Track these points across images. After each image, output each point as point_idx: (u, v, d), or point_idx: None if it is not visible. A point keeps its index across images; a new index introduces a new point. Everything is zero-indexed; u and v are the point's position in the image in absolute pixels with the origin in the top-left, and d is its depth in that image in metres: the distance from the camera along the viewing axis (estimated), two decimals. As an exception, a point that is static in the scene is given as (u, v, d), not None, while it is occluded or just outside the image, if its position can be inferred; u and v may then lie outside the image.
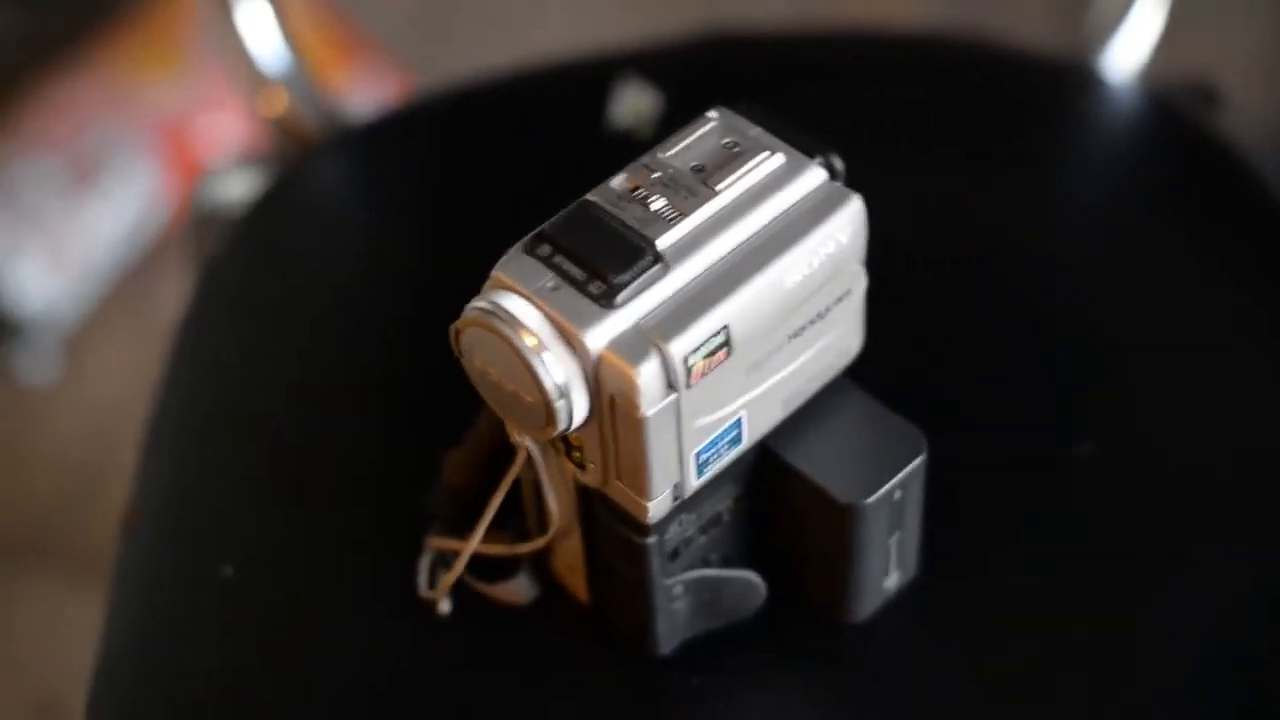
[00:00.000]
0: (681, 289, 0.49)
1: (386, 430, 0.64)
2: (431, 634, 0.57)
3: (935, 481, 0.55)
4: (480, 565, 0.57)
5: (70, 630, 1.18)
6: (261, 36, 0.77)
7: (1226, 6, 1.38)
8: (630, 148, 0.66)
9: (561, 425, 0.48)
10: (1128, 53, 0.77)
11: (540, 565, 0.57)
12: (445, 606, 0.57)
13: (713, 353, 0.49)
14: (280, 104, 0.78)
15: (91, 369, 1.34)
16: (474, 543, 0.54)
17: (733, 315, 0.49)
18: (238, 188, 0.79)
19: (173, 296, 1.31)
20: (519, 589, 0.57)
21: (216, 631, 0.59)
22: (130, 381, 1.29)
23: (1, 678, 1.20)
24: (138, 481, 0.65)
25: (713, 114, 0.52)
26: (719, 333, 0.48)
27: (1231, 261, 0.69)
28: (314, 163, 0.78)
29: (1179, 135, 0.75)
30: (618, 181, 0.50)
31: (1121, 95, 0.76)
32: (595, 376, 0.48)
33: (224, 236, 0.75)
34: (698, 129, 0.52)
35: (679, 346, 0.48)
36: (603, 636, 0.56)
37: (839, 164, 0.52)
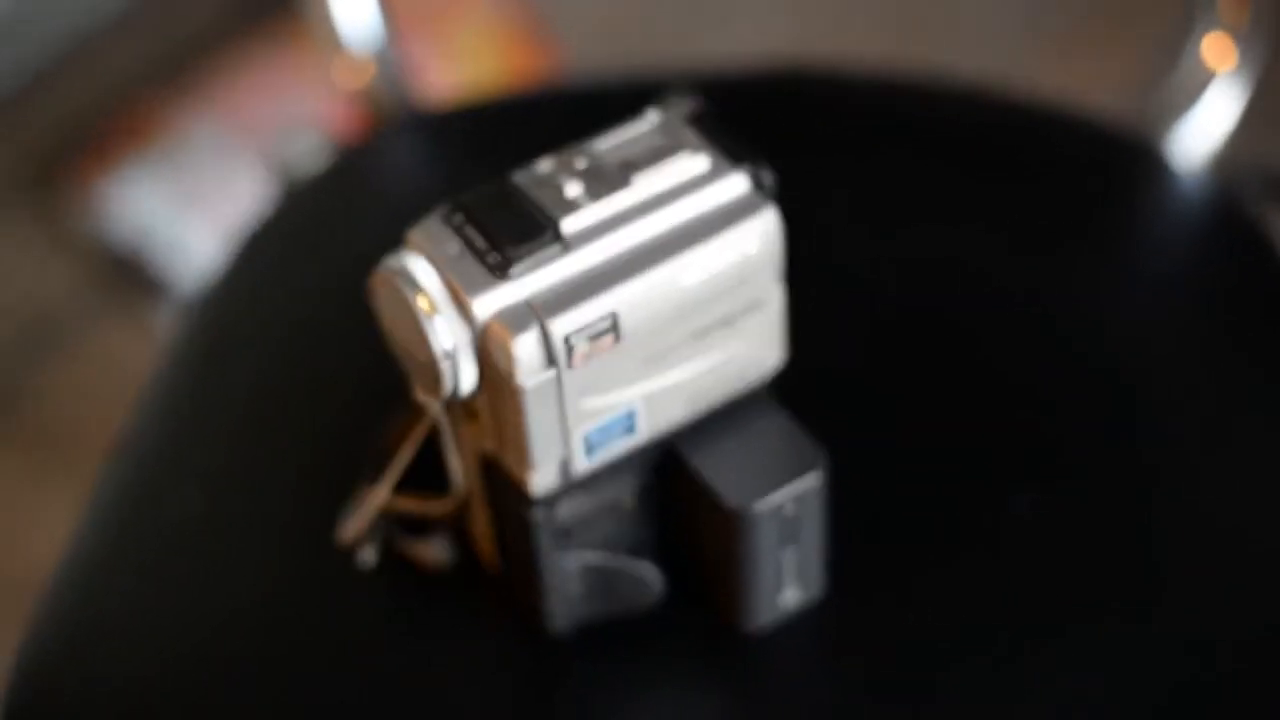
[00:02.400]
0: (579, 272, 0.50)
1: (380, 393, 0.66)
2: (353, 589, 0.59)
3: (869, 507, 0.57)
4: (407, 525, 0.59)
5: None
6: (355, 10, 0.80)
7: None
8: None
9: (447, 387, 0.50)
10: (1199, 136, 0.76)
11: (460, 532, 0.59)
12: (369, 557, 0.59)
13: (597, 336, 0.50)
14: (365, 77, 0.81)
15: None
16: (381, 492, 0.56)
17: (622, 303, 0.50)
18: (310, 152, 0.82)
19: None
20: (435, 550, 0.59)
21: (162, 554, 0.62)
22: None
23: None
24: (133, 414, 0.68)
25: (653, 114, 0.53)
26: (605, 318, 0.50)
27: (1263, 362, 0.67)
28: (387, 140, 0.81)
29: (1236, 229, 0.74)
30: (544, 164, 0.52)
31: (1186, 180, 0.75)
32: (483, 344, 0.50)
33: (288, 197, 0.78)
34: (635, 126, 0.53)
35: (561, 325, 0.49)
36: (505, 608, 0.57)
37: (768, 177, 0.53)
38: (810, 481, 0.54)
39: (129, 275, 1.38)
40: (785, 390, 0.56)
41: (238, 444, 0.66)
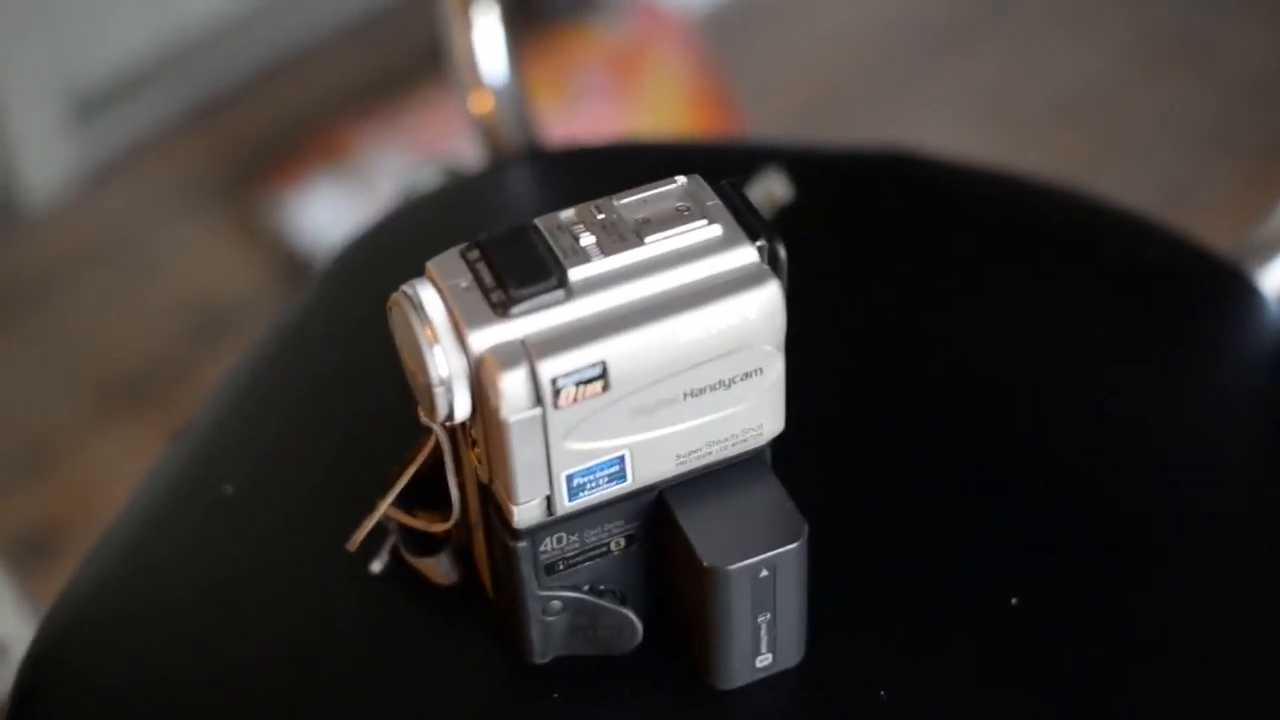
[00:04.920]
0: (577, 319, 0.52)
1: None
2: (358, 588, 0.62)
3: (849, 581, 0.58)
4: (418, 542, 0.61)
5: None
6: (489, 43, 0.83)
7: None
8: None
9: (441, 413, 0.53)
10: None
11: (465, 553, 0.61)
12: (377, 566, 0.62)
13: (586, 382, 0.52)
14: (487, 107, 0.84)
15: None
16: (384, 504, 0.59)
17: (613, 353, 0.52)
18: (430, 180, 0.85)
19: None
20: (439, 568, 0.61)
21: (193, 537, 0.65)
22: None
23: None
24: (205, 399, 0.72)
25: (681, 178, 0.55)
26: (594, 365, 0.52)
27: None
28: (500, 171, 0.84)
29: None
30: (566, 213, 0.54)
31: (1271, 309, 0.75)
32: (476, 376, 0.52)
33: (397, 215, 0.82)
34: (660, 188, 0.55)
35: (549, 366, 0.51)
36: (496, 632, 0.59)
37: (781, 252, 0.54)
38: (788, 550, 0.55)
39: (303, 273, 1.44)
40: (785, 457, 0.57)
41: (284, 439, 0.69)
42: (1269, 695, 0.60)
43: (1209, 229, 1.44)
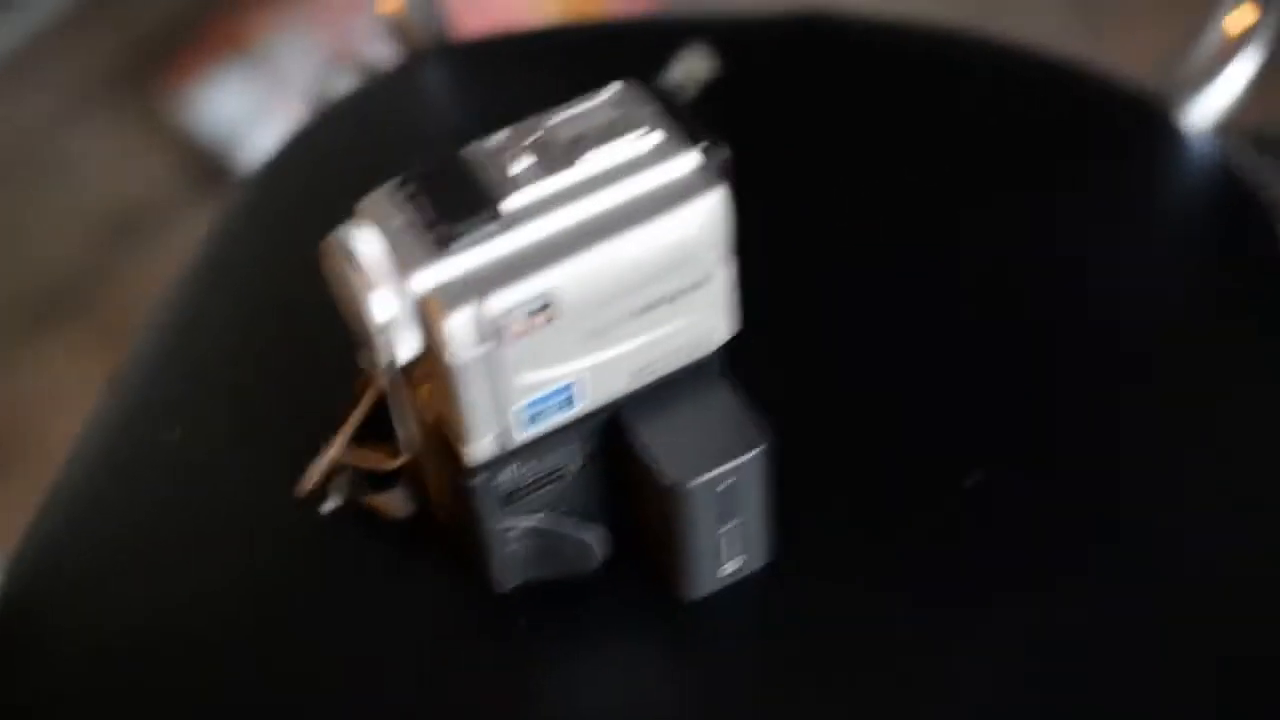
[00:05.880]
0: (520, 249, 0.51)
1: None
2: (313, 529, 0.61)
3: (815, 475, 0.58)
4: (373, 477, 0.60)
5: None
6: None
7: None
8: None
9: (383, 359, 0.51)
10: (1215, 102, 0.75)
11: (419, 486, 0.60)
12: (329, 506, 0.61)
13: (533, 314, 0.51)
14: (395, 5, 0.82)
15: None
16: (338, 444, 0.58)
17: (558, 281, 0.51)
18: (344, 85, 0.83)
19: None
20: (394, 502, 0.60)
21: (141, 484, 0.64)
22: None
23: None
24: (137, 339, 0.70)
25: (614, 87, 0.54)
26: (541, 296, 0.50)
27: (1244, 318, 0.67)
28: (414, 69, 0.82)
29: (1237, 193, 0.73)
30: (497, 138, 0.53)
31: (1197, 144, 0.74)
32: (422, 317, 0.51)
33: (310, 123, 0.80)
34: (593, 100, 0.53)
35: (495, 302, 0.50)
36: (456, 563, 0.59)
37: (721, 156, 0.53)
38: (750, 459, 0.54)
39: (214, 171, 1.41)
40: (742, 356, 0.56)
41: (226, 376, 0.67)
42: (1221, 553, 0.60)
43: (1121, 48, 1.44)
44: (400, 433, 0.56)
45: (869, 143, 0.74)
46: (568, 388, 0.53)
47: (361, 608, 0.59)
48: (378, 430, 0.59)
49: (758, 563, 0.58)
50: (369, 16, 1.40)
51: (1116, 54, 1.39)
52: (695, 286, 0.53)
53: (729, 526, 0.56)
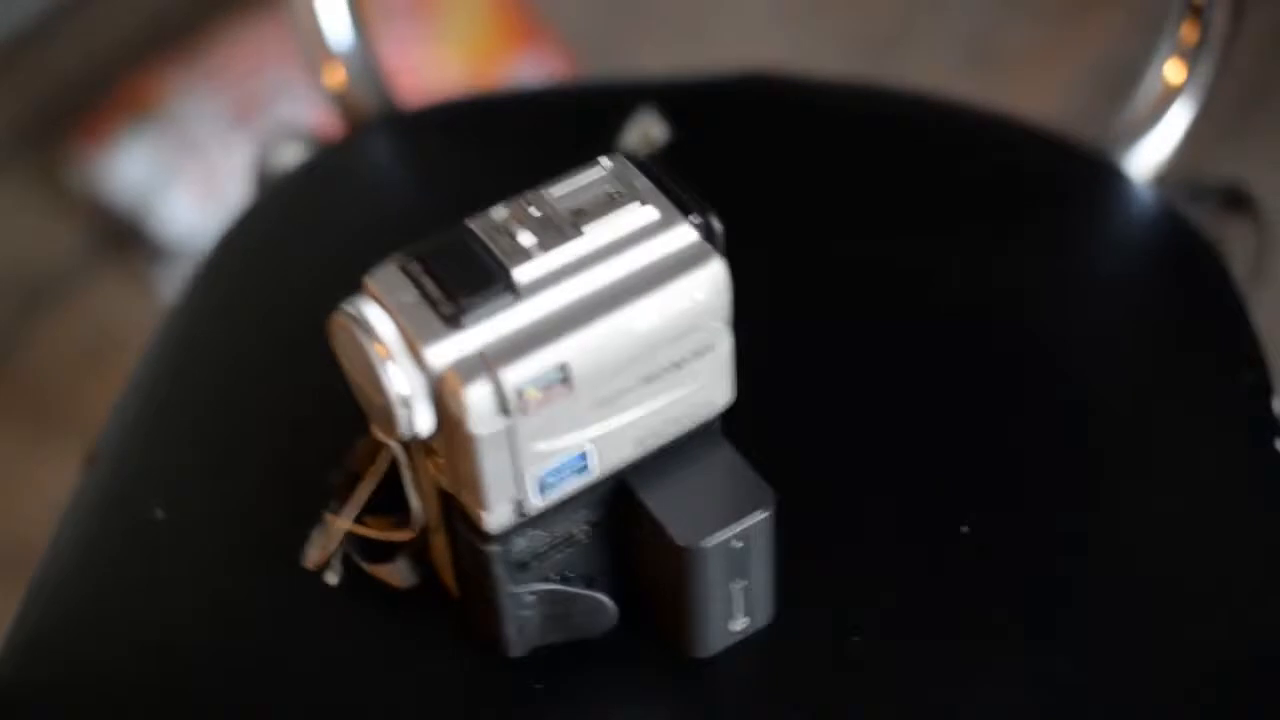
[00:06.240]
0: (531, 322, 0.52)
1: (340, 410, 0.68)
2: (316, 602, 0.61)
3: (815, 535, 0.59)
4: (371, 547, 0.61)
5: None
6: (332, 11, 0.81)
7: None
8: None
9: (402, 431, 0.52)
10: (1154, 152, 0.78)
11: (422, 555, 0.60)
12: (333, 578, 0.61)
13: (549, 385, 0.51)
14: (339, 79, 0.82)
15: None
16: (345, 522, 0.58)
17: (573, 353, 0.51)
18: (293, 156, 0.83)
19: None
20: (397, 573, 0.60)
21: (133, 566, 0.64)
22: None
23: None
24: (110, 423, 0.70)
25: (606, 161, 0.55)
26: (556, 367, 0.51)
27: (1196, 368, 0.69)
28: (360, 140, 0.82)
29: (1180, 238, 0.75)
30: (498, 212, 0.54)
31: (1139, 193, 0.77)
32: (437, 392, 0.51)
33: (262, 198, 0.80)
34: (587, 174, 0.54)
35: (512, 375, 0.51)
36: (465, 630, 0.59)
37: (717, 225, 0.54)
38: (758, 518, 0.55)
39: (125, 237, 1.40)
40: (730, 415, 0.57)
41: (204, 453, 0.67)
42: (1188, 571, 0.62)
43: (1016, 84, 1.48)
44: (413, 504, 0.57)
45: (822, 200, 0.76)
46: (581, 456, 0.54)
47: (373, 679, 0.59)
48: (378, 501, 0.60)
49: (764, 619, 0.59)
50: (274, 77, 1.41)
51: (1008, 95, 1.43)
52: (698, 354, 0.54)
53: (739, 585, 0.57)
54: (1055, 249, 0.74)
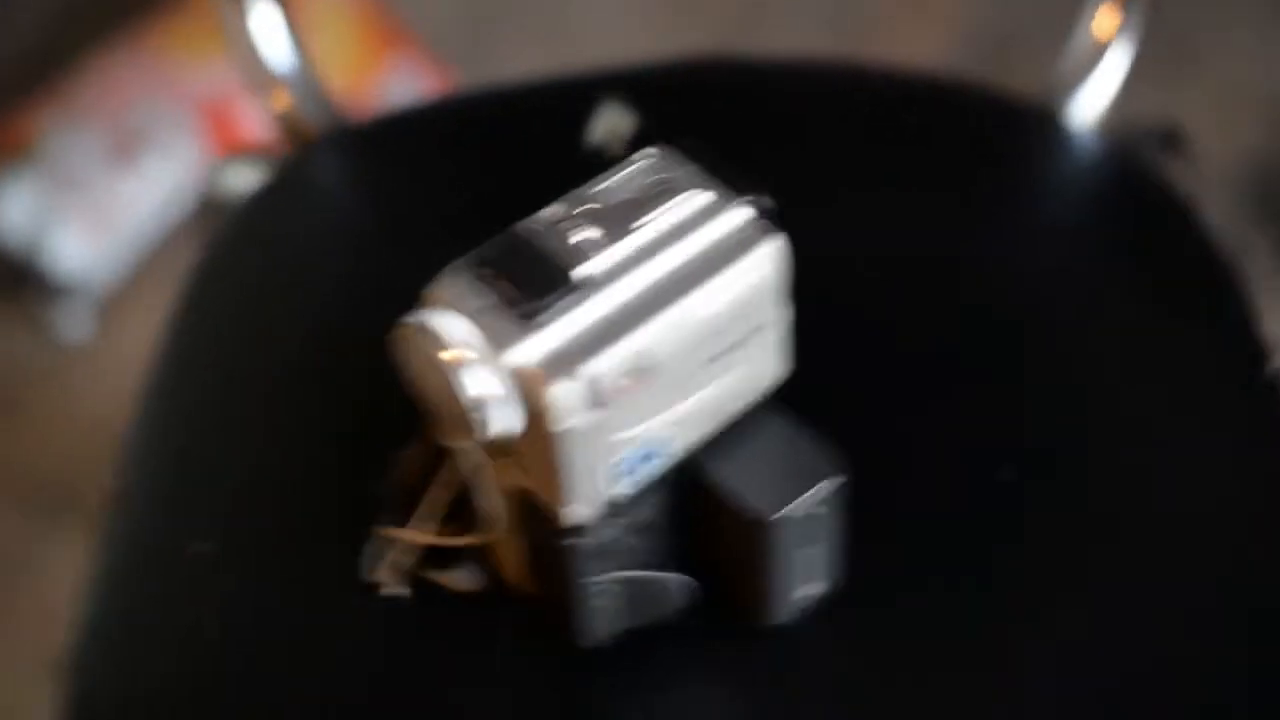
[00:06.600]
0: (602, 315, 0.53)
1: (364, 423, 0.68)
2: (385, 617, 0.61)
3: (865, 496, 0.60)
4: (432, 554, 0.61)
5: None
6: (271, 35, 0.81)
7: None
8: (602, 165, 0.71)
9: (479, 435, 0.53)
10: (1094, 102, 0.80)
11: (487, 555, 0.61)
12: (399, 590, 0.61)
13: (627, 375, 0.52)
14: (284, 101, 0.82)
15: (125, 329, 1.39)
16: (410, 533, 0.58)
17: (648, 341, 0.52)
18: (244, 179, 0.83)
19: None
20: (466, 578, 0.61)
21: (186, 604, 0.63)
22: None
23: (29, 624, 1.25)
24: (125, 460, 0.69)
25: (650, 151, 0.56)
26: (634, 356, 0.52)
27: (1170, 299, 0.72)
28: (312, 159, 0.82)
29: (1127, 180, 0.78)
30: (550, 211, 0.54)
31: (1084, 142, 0.79)
32: (518, 391, 0.52)
33: (224, 225, 0.79)
34: (633, 165, 0.55)
35: (593, 367, 0.52)
36: (540, 625, 0.60)
37: (768, 204, 0.55)
38: (828, 487, 0.57)
39: (18, 276, 1.38)
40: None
41: (232, 480, 0.67)
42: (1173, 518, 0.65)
43: (881, 45, 1.51)
44: (484, 507, 0.57)
45: (783, 172, 0.77)
46: (655, 442, 0.55)
47: (459, 682, 0.60)
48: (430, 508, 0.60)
49: (830, 583, 0.60)
50: (146, 108, 1.39)
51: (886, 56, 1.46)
52: (758, 330, 0.56)
53: (809, 552, 0.58)
54: (1018, 203, 0.76)
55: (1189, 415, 0.68)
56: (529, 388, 0.52)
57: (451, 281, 0.53)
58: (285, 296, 0.75)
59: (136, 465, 0.69)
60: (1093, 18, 0.81)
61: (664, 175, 0.55)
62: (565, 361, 0.52)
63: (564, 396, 0.52)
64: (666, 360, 0.53)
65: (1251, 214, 1.34)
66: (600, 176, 0.55)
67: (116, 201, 1.38)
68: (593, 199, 0.54)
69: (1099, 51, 0.81)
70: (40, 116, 1.40)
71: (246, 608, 0.63)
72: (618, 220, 0.54)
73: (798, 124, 0.79)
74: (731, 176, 0.55)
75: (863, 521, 0.60)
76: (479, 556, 0.61)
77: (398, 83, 1.42)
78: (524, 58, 1.55)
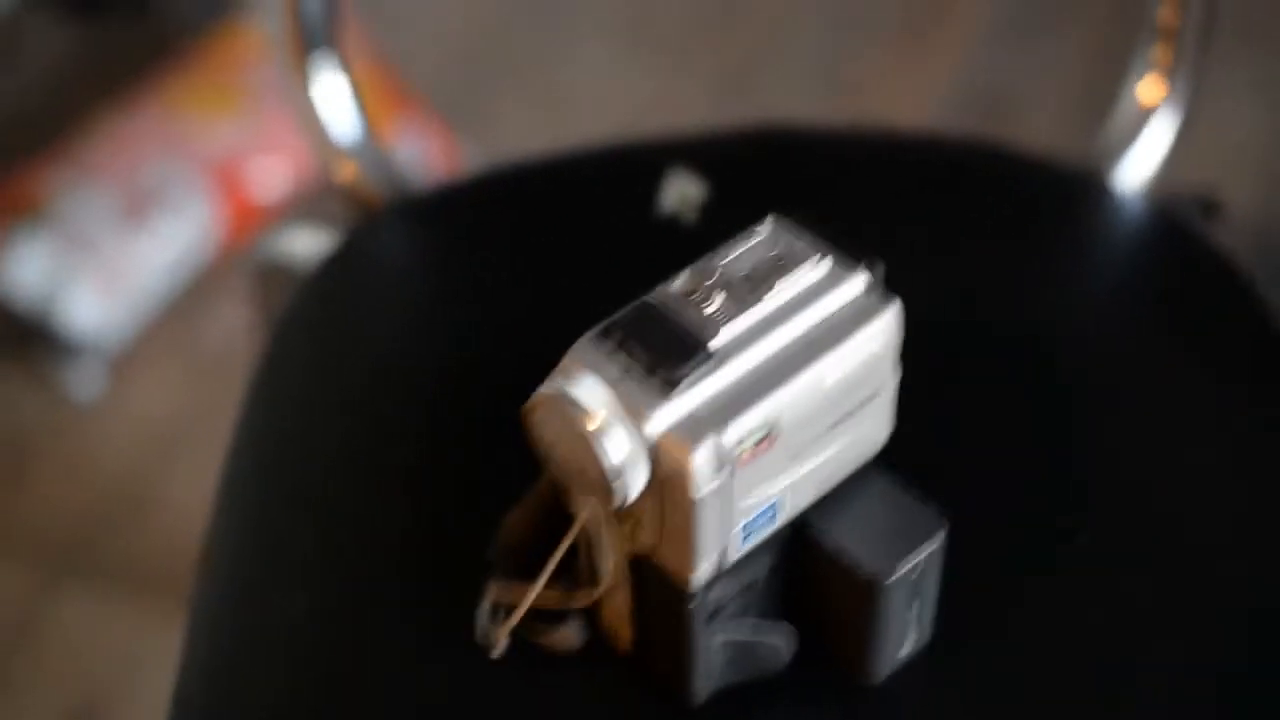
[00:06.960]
0: (732, 384, 0.55)
1: (445, 485, 0.70)
2: (487, 675, 0.62)
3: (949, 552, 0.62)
4: (533, 613, 0.62)
5: (106, 641, 1.24)
6: (335, 105, 0.83)
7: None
8: (675, 232, 0.73)
9: (618, 500, 0.54)
10: (1138, 167, 0.83)
11: (588, 614, 0.63)
12: (499, 649, 0.63)
13: (759, 441, 0.54)
14: (350, 172, 0.84)
15: (136, 389, 1.40)
16: (533, 594, 0.60)
17: (778, 408, 0.55)
18: (301, 245, 0.85)
19: (214, 325, 1.38)
20: (569, 636, 0.62)
21: (283, 671, 0.65)
22: (171, 402, 1.36)
23: (38, 685, 1.25)
24: (212, 527, 0.70)
25: (763, 225, 0.58)
26: (766, 423, 0.54)
27: (1218, 362, 0.75)
28: (378, 227, 0.84)
29: (1179, 246, 0.81)
30: (677, 285, 0.56)
31: (1130, 206, 0.82)
32: (653, 458, 0.54)
33: (293, 294, 0.81)
34: (749, 239, 0.58)
35: (730, 435, 0.54)
36: (642, 681, 0.62)
37: (879, 271, 0.57)
38: (935, 545, 0.59)
39: (33, 335, 1.38)
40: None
41: (324, 540, 0.68)
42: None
43: (873, 98, 1.53)
44: (602, 567, 0.59)
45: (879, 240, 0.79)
46: (773, 505, 0.57)
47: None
48: (527, 568, 0.62)
49: (926, 638, 0.62)
50: (157, 167, 1.40)
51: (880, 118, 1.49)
52: (873, 396, 0.58)
53: (913, 610, 0.60)
54: (1079, 268, 0.79)
55: (1250, 479, 0.70)
56: (667, 454, 0.54)
57: (586, 351, 0.55)
58: (360, 368, 0.77)
59: (227, 528, 0.70)
60: (1137, 83, 0.83)
61: (781, 248, 0.57)
62: (703, 428, 0.54)
63: (703, 463, 0.53)
64: (792, 427, 0.55)
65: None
66: (716, 251, 0.57)
67: (128, 261, 1.39)
68: (714, 272, 0.57)
69: (1143, 117, 0.83)
70: (51, 176, 1.41)
71: (350, 669, 0.64)
72: (742, 293, 0.56)
73: (858, 191, 0.82)
74: (842, 246, 0.57)
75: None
76: (583, 615, 0.62)
77: (406, 145, 1.43)
78: (523, 119, 1.57)
